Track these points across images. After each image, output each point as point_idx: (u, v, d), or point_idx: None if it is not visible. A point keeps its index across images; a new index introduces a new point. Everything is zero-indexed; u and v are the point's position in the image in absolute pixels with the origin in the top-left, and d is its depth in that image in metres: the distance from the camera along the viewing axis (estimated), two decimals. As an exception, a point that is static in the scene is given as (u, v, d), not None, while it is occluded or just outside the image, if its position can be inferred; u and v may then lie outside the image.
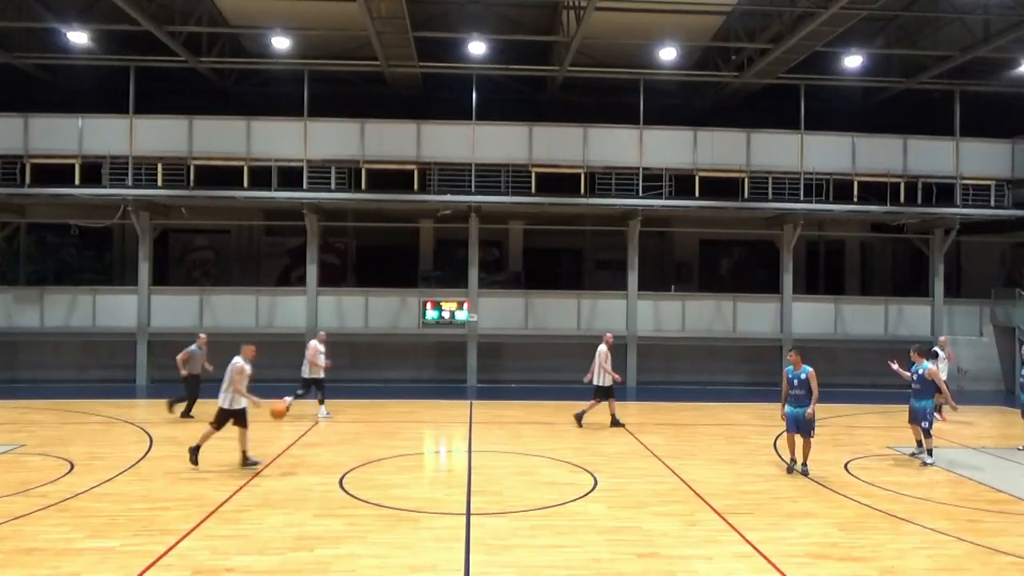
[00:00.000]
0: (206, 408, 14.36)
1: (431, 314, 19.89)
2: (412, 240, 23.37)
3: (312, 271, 20.14)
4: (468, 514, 8.89)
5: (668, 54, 18.48)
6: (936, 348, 15.82)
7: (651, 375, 20.54)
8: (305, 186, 19.46)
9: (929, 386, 11.85)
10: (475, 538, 8.04)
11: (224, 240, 23.76)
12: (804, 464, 10.82)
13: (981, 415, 16.40)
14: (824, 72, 19.87)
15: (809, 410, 10.55)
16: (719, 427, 14.66)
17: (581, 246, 24.26)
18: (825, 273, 24.87)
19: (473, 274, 20.28)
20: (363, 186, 19.55)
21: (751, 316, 20.72)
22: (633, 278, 20.57)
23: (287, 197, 19.55)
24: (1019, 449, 13.02)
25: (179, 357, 14.79)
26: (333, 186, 19.57)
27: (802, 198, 20.14)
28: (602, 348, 14.57)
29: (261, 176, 19.42)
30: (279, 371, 19.94)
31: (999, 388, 20.75)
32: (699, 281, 23.92)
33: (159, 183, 19.27)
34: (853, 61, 18.84)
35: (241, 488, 9.76)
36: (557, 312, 20.39)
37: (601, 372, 14.35)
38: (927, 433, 11.83)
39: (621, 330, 20.39)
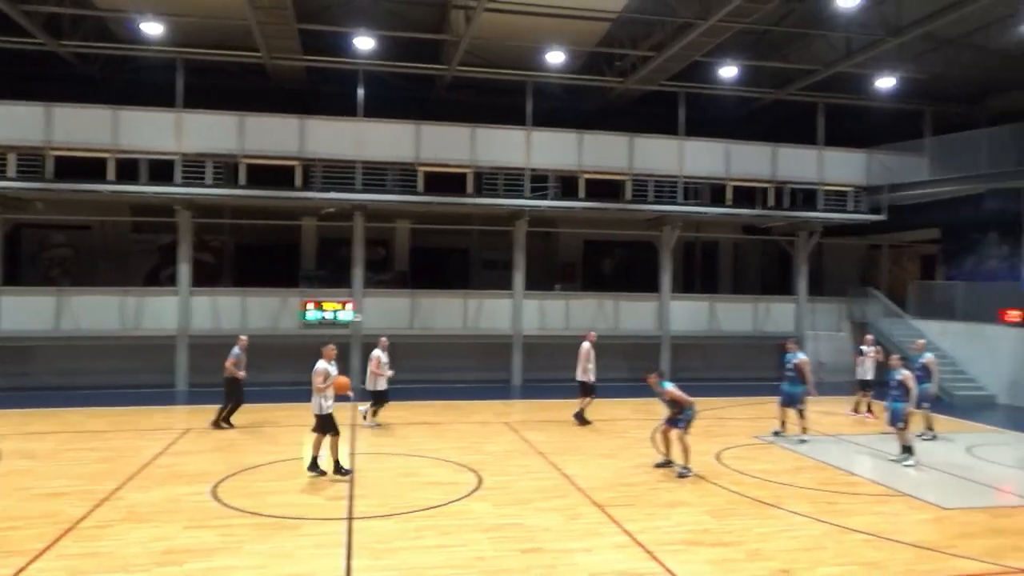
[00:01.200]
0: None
1: (313, 314, 19.32)
2: (294, 238, 22.66)
3: (184, 270, 19.11)
4: (350, 518, 8.70)
5: (555, 57, 18.81)
6: (863, 347, 16.89)
7: (536, 373, 20.83)
8: (178, 181, 18.46)
9: (902, 388, 12.02)
10: (358, 542, 7.88)
11: (86, 237, 22.18)
12: (684, 464, 10.91)
13: (839, 404, 17.65)
14: (702, 81, 20.78)
15: (679, 427, 10.94)
16: (600, 422, 15.02)
17: (468, 246, 24.32)
18: (701, 273, 26.04)
19: (358, 273, 19.88)
20: (242, 182, 18.77)
21: (632, 314, 21.41)
22: (519, 278, 20.79)
23: (158, 192, 18.48)
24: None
25: (229, 363, 13.88)
26: (209, 181, 18.66)
27: (680, 201, 21.01)
28: (585, 345, 14.90)
29: (128, 169, 18.27)
30: (147, 376, 18.92)
31: (855, 378, 22.34)
32: (583, 280, 24.49)
33: (11, 174, 17.75)
34: (728, 72, 19.82)
35: (102, 502, 9.12)
36: (444, 312, 20.32)
37: (584, 369, 14.73)
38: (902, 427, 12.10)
39: (507, 329, 20.60)
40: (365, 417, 14.29)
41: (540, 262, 23.62)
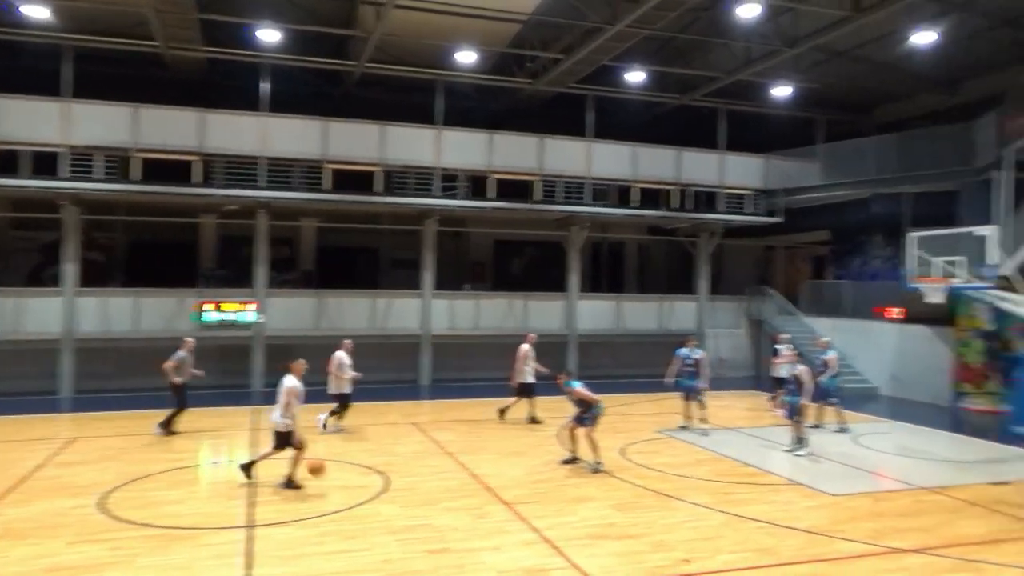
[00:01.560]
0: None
1: (212, 315, 18.54)
2: (192, 236, 21.73)
3: (70, 270, 17.99)
4: (251, 526, 8.41)
5: (466, 57, 18.77)
6: (777, 346, 17.27)
7: (445, 373, 20.76)
8: (64, 174, 17.35)
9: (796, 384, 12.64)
10: (259, 551, 7.63)
11: (-40, 234, 20.58)
12: (595, 460, 11.10)
13: (737, 398, 18.39)
14: (610, 84, 21.18)
15: (585, 424, 11.12)
16: (509, 421, 15.08)
17: (377, 245, 23.93)
18: (608, 272, 26.58)
19: (261, 273, 19.25)
20: (136, 177, 17.83)
21: (541, 313, 21.61)
22: (428, 277, 20.66)
23: (41, 187, 17.31)
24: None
25: (167, 365, 13.12)
26: (100, 175, 17.63)
27: (588, 201, 21.38)
28: (523, 347, 14.95)
29: (8, 161, 17.06)
30: (27, 382, 17.72)
31: (751, 374, 23.43)
32: (493, 280, 24.55)
33: None
34: (635, 76, 20.29)
35: (-25, 518, 8.48)
36: (351, 312, 19.93)
37: (522, 370, 14.76)
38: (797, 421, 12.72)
39: (416, 329, 20.43)
40: (324, 426, 13.71)
41: (450, 262, 23.51)
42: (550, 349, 21.74)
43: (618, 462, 11.56)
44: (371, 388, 19.20)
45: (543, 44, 19.38)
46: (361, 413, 14.81)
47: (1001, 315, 16.87)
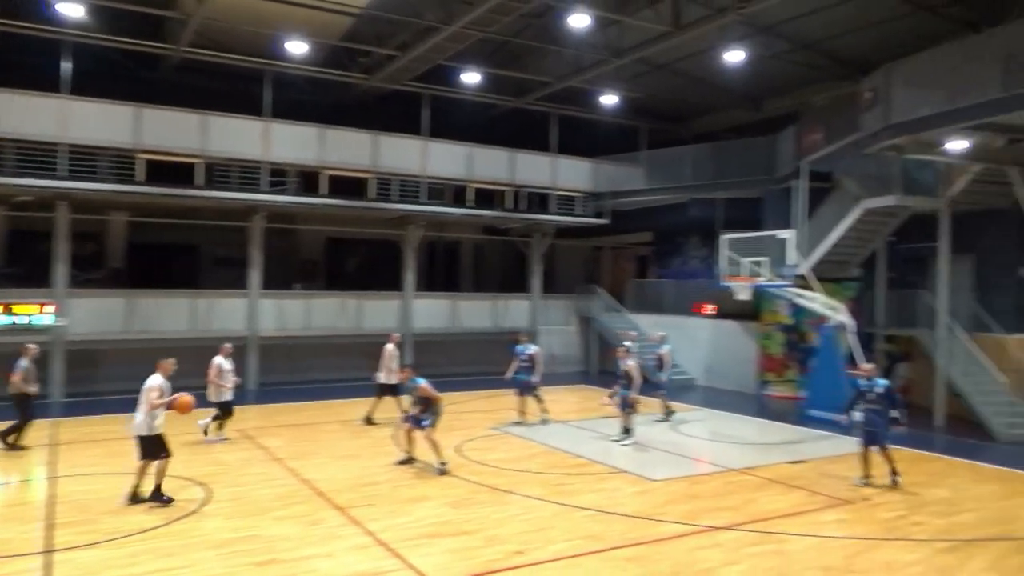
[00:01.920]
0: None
1: (1, 319, 16.49)
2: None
3: None
4: (49, 551, 7.55)
5: (296, 47, 18.00)
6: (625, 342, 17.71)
7: (274, 376, 19.85)
8: None
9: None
10: (58, 577, 6.87)
11: None
12: (440, 461, 10.98)
13: (567, 393, 19.04)
14: (447, 84, 21.19)
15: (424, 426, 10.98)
16: (343, 423, 14.71)
17: (198, 242, 22.36)
18: (444, 271, 26.63)
19: (60, 271, 17.40)
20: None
21: (376, 313, 21.20)
22: (255, 276, 19.66)
23: None
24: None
25: (16, 378, 11.94)
26: None
27: (424, 200, 21.28)
28: (388, 347, 14.89)
29: None
30: None
31: (581, 369, 24.42)
32: (326, 279, 23.82)
33: None
34: (471, 77, 20.43)
35: None
36: (168, 313, 18.51)
37: (388, 370, 14.48)
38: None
39: (241, 330, 19.33)
40: (206, 432, 12.78)
41: (279, 260, 22.48)
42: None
43: (454, 460, 11.55)
44: (193, 394, 18.00)
45: (378, 40, 19.03)
46: (178, 421, 13.75)
47: (799, 310, 18.74)
